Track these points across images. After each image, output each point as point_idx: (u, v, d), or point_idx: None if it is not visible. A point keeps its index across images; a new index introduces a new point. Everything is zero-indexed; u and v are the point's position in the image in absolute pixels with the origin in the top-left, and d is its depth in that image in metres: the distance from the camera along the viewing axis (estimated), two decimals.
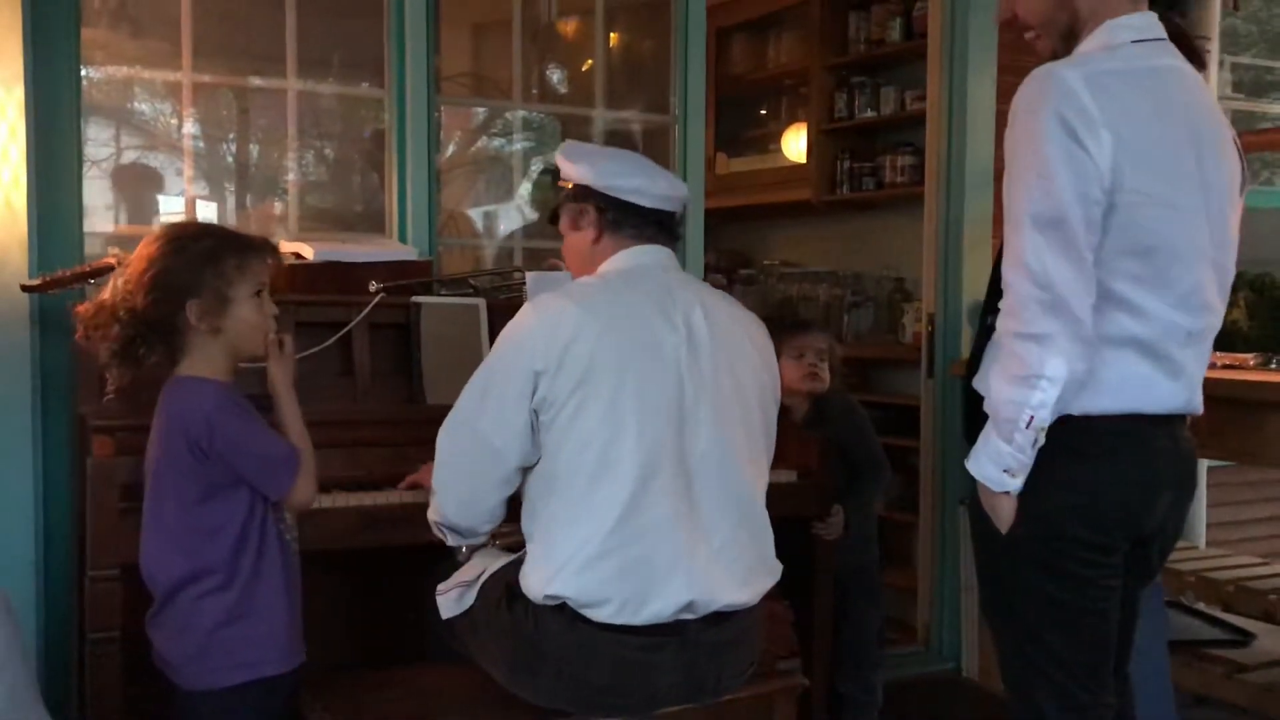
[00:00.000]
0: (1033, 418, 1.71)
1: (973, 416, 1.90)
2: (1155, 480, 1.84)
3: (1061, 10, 1.86)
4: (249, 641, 1.90)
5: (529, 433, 1.91)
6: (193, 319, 1.89)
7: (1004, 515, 1.80)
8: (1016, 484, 1.77)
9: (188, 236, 1.94)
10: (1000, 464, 1.76)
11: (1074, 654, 1.84)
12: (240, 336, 1.95)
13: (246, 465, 1.90)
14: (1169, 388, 1.82)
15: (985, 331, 1.89)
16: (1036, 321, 1.70)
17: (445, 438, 2.00)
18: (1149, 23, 1.85)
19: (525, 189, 3.50)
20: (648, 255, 2.05)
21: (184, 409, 1.88)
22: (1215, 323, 1.88)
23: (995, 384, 1.75)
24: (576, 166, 2.06)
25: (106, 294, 1.93)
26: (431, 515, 2.07)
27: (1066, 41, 1.87)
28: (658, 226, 2.05)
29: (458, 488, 2.01)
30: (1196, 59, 1.92)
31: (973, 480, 1.83)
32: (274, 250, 2.02)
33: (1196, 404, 1.87)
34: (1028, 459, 1.75)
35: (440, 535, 2.07)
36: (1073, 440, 1.74)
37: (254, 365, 2.03)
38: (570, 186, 2.08)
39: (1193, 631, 3.17)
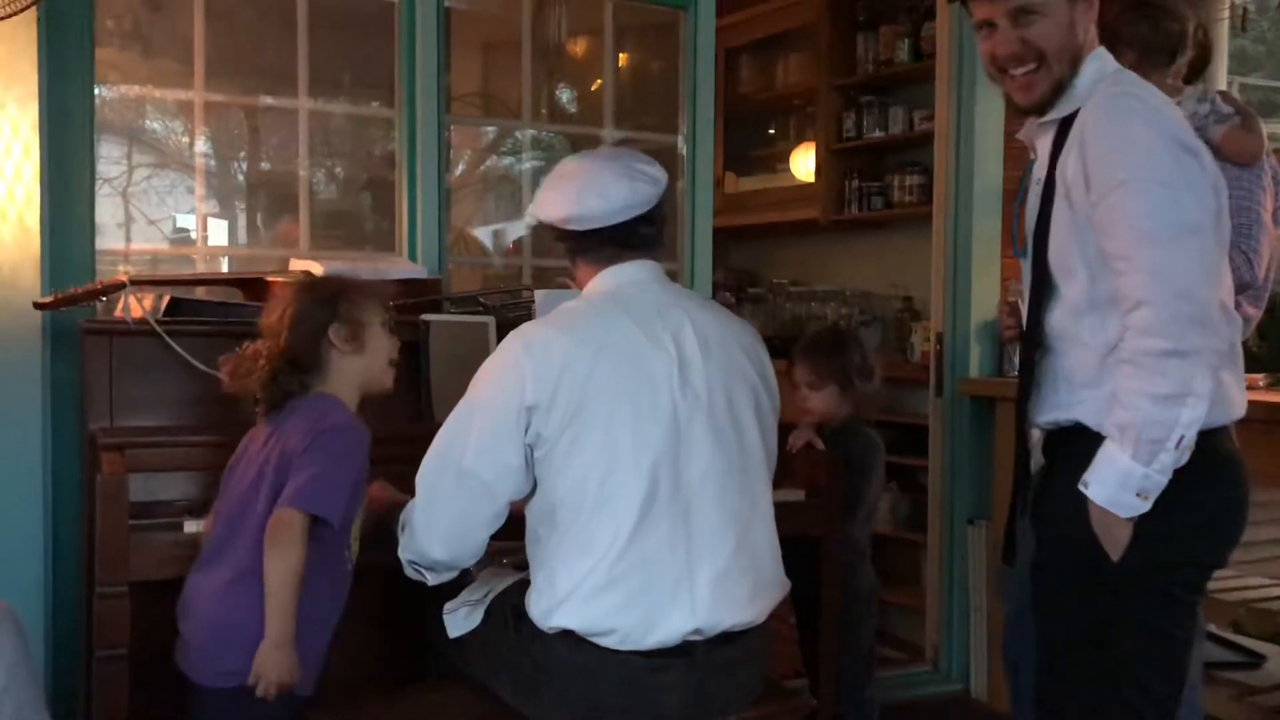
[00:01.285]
0: (1183, 437, 1.66)
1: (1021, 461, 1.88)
2: (1248, 492, 1.82)
3: (1073, 36, 1.85)
4: (242, 629, 1.90)
5: (523, 467, 1.90)
6: (336, 341, 2.05)
7: (1120, 542, 1.72)
8: (1146, 507, 1.70)
9: (313, 283, 2.17)
10: (1133, 487, 1.68)
11: (1169, 688, 1.79)
12: (375, 362, 2.10)
13: (298, 472, 1.92)
14: (1241, 393, 1.82)
15: (1030, 368, 1.88)
16: (1186, 336, 1.64)
17: (430, 480, 1.94)
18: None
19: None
20: (631, 272, 2.02)
21: (324, 412, 2.00)
22: None
23: (1137, 403, 1.66)
24: (533, 203, 2.08)
25: (249, 348, 2.07)
26: (405, 555, 1.99)
27: (1074, 71, 1.86)
28: (614, 244, 2.01)
29: (445, 526, 1.94)
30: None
31: (1066, 506, 1.76)
32: (384, 291, 2.21)
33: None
34: (1165, 480, 1.68)
35: (417, 575, 2.00)
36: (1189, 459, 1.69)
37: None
38: None
39: (1203, 653, 3.14)
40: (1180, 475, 1.69)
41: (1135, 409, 1.67)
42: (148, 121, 3.04)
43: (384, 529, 2.06)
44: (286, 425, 2.00)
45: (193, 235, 3.08)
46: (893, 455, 3.17)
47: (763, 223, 5.24)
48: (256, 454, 2.01)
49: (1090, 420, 1.79)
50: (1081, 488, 1.73)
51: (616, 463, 1.87)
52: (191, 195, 2.98)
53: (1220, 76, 4.41)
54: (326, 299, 2.09)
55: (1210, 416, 1.70)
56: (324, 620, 2.00)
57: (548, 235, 2.11)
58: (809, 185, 5.04)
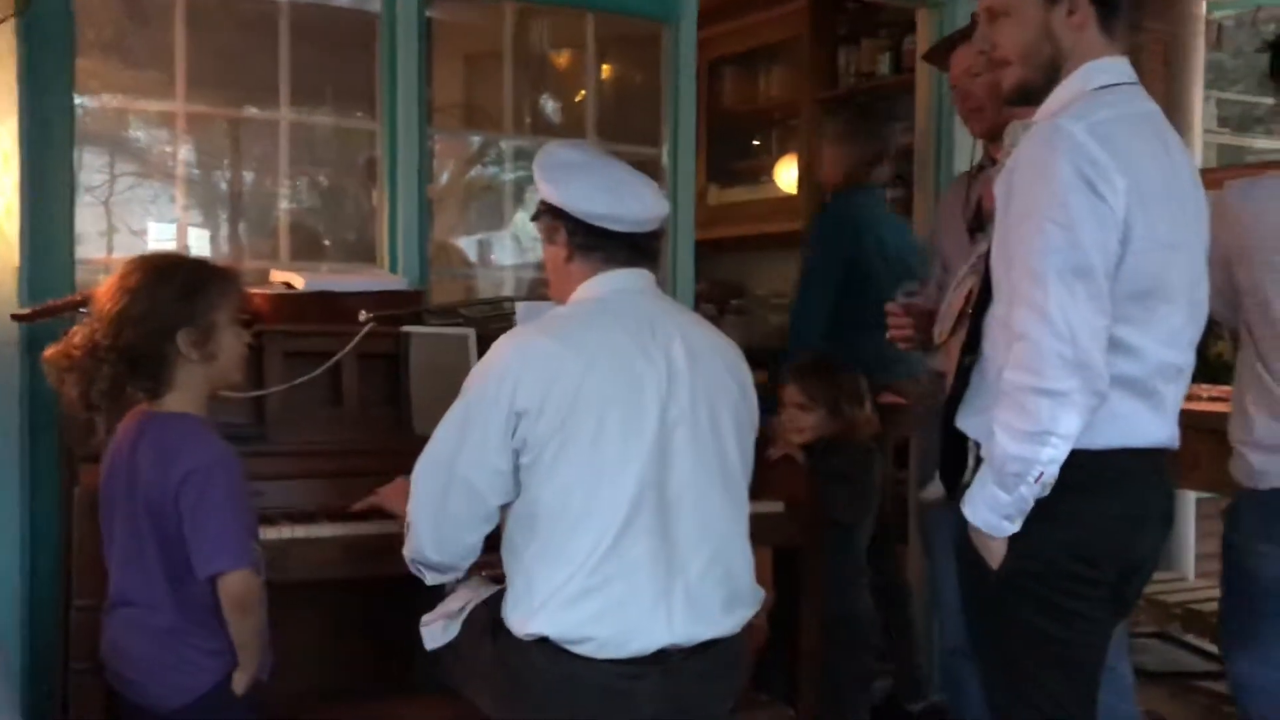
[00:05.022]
0: (1043, 473, 1.71)
1: (952, 456, 1.91)
2: (1144, 514, 1.86)
3: (1045, 42, 1.86)
4: (187, 660, 1.89)
5: (511, 472, 1.90)
6: (184, 349, 1.88)
7: (997, 555, 1.80)
8: (1015, 528, 1.76)
9: (167, 267, 1.94)
10: (1000, 512, 1.75)
11: (1068, 688, 1.84)
12: (227, 364, 1.95)
13: (203, 531, 1.84)
14: (1155, 423, 1.84)
15: (964, 371, 1.90)
16: (1057, 378, 1.68)
17: (422, 477, 1.96)
18: (1124, 67, 1.88)
19: (518, 219, 3.51)
20: (624, 281, 2.00)
21: (184, 443, 1.87)
22: (1194, 358, 1.91)
23: (1001, 437, 1.72)
24: (546, 183, 1.99)
25: (78, 337, 1.89)
26: (407, 553, 2.01)
27: (1048, 75, 1.87)
28: (631, 250, 2.00)
29: (436, 527, 1.96)
30: None
31: (961, 519, 1.83)
32: (242, 280, 2.03)
33: (1177, 439, 1.89)
34: (1029, 506, 1.74)
35: (418, 573, 2.03)
36: (1065, 475, 1.74)
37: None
38: (540, 200, 2.03)
39: (1179, 663, 3.17)
40: (1064, 489, 1.73)
41: (1001, 443, 1.72)
42: (130, 132, 3.03)
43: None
44: (142, 454, 1.87)
45: (173, 245, 3.07)
46: None
47: (746, 235, 5.25)
48: (121, 485, 1.90)
49: (974, 436, 1.85)
50: (961, 506, 1.80)
51: (602, 474, 1.87)
52: (174, 205, 2.98)
53: (1197, 91, 4.45)
54: (182, 293, 1.89)
55: (1107, 437, 1.77)
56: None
57: (546, 224, 2.02)
58: (791, 198, 5.06)
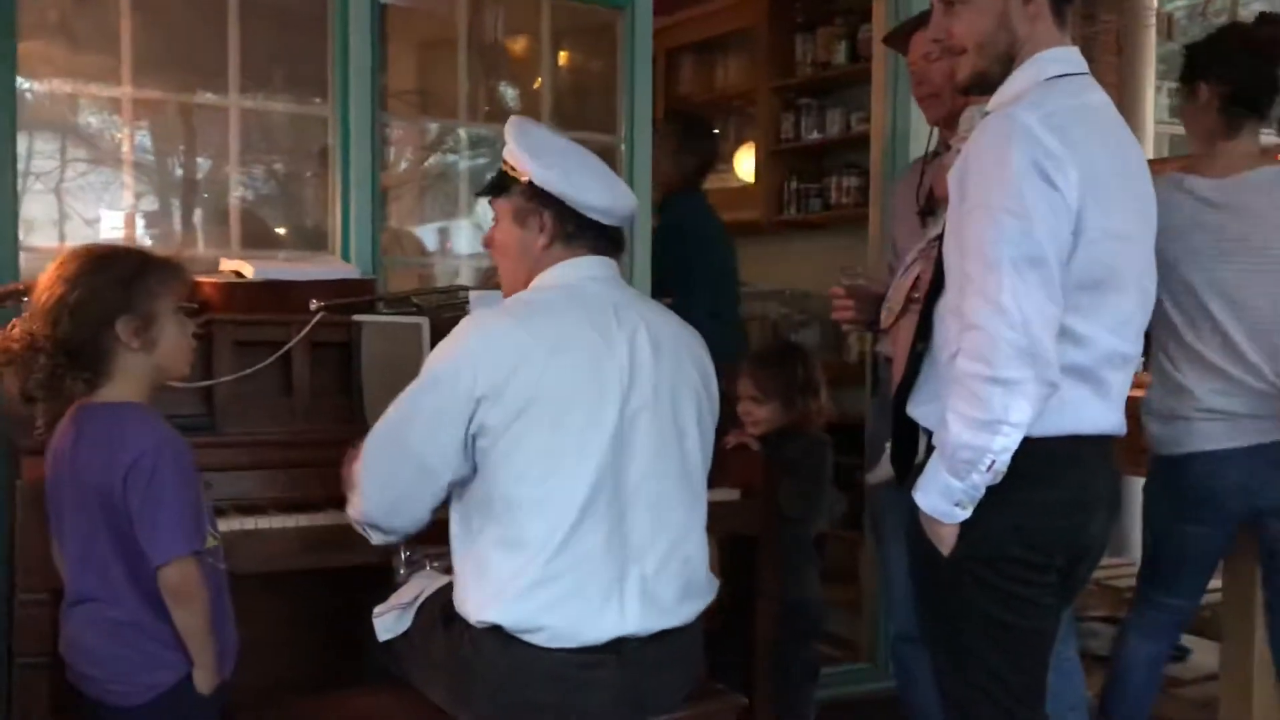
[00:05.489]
0: (994, 462, 1.72)
1: (904, 442, 1.92)
2: (1092, 500, 1.87)
3: (1002, 31, 1.87)
4: (150, 655, 1.86)
5: (464, 452, 1.89)
6: (124, 337, 1.85)
7: (948, 541, 1.81)
8: (966, 515, 1.78)
9: (107, 256, 1.90)
10: (951, 499, 1.76)
11: (1014, 673, 1.86)
12: (169, 355, 1.91)
13: (146, 519, 1.80)
14: (1103, 410, 1.86)
15: (915, 358, 1.91)
16: (1009, 367, 1.69)
17: (374, 452, 1.94)
18: (1076, 57, 1.89)
19: (481, 206, 3.49)
20: (589, 268, 1.99)
21: (126, 431, 1.83)
22: (1142, 346, 1.93)
23: (954, 426, 1.73)
24: (538, 167, 1.93)
25: (17, 329, 1.85)
26: (352, 514, 1.99)
27: (1003, 65, 1.89)
28: (608, 240, 2.01)
29: (386, 498, 1.95)
30: None
31: (911, 504, 1.84)
32: (186, 269, 1.98)
33: (1124, 426, 1.91)
34: (980, 494, 1.76)
35: (364, 532, 2.01)
36: (1014, 463, 1.75)
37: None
38: (525, 181, 1.96)
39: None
40: (1014, 475, 1.75)
41: (953, 431, 1.73)
42: (80, 117, 2.98)
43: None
44: (84, 447, 1.83)
45: (121, 233, 3.02)
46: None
47: None
48: (66, 481, 1.85)
49: (926, 424, 1.87)
50: (912, 493, 1.81)
51: (560, 462, 1.86)
52: (125, 192, 2.93)
53: (1148, 82, 4.49)
54: (120, 281, 1.85)
55: (1055, 424, 1.78)
56: (221, 612, 1.93)
57: (519, 205, 1.97)
58: (749, 187, 5.07)
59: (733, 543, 2.68)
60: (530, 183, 1.95)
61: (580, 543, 1.87)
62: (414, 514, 1.96)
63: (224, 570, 1.96)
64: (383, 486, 1.95)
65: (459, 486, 1.93)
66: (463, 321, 1.95)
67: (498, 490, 1.87)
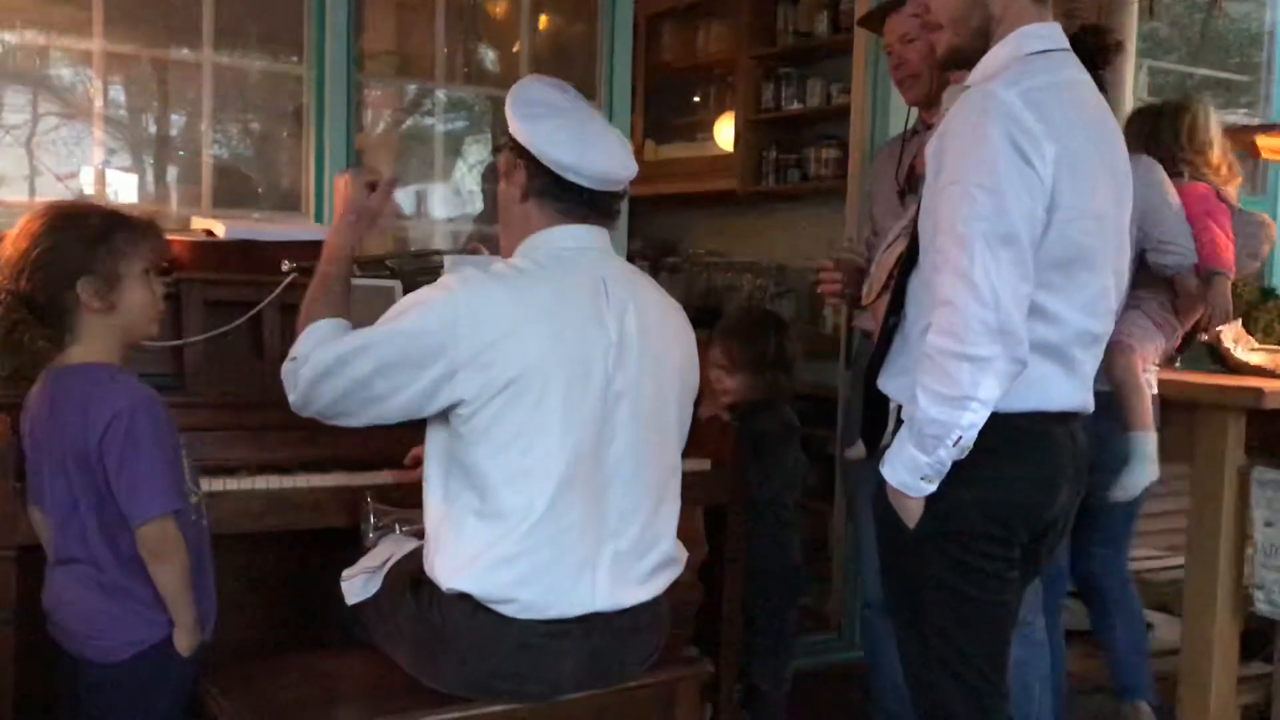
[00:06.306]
0: (961, 437, 1.73)
1: (873, 416, 1.92)
2: (1056, 476, 1.88)
3: (975, 8, 1.87)
4: (133, 613, 1.86)
5: (418, 406, 1.85)
6: (84, 298, 1.82)
7: (913, 514, 1.82)
8: (931, 489, 1.79)
9: (74, 214, 1.87)
10: (918, 473, 1.77)
11: (976, 646, 1.88)
12: (133, 316, 1.88)
13: (121, 478, 1.79)
14: (1069, 387, 1.87)
15: (887, 333, 1.91)
16: (979, 343, 1.69)
17: (327, 362, 1.87)
18: (1055, 33, 1.88)
19: (458, 169, 3.46)
20: (579, 237, 1.94)
21: (96, 389, 1.81)
22: (1113, 325, 1.94)
23: (923, 400, 1.73)
24: (516, 118, 1.90)
25: None
26: (285, 373, 1.93)
27: (979, 40, 1.88)
28: (589, 207, 1.93)
29: (324, 406, 1.90)
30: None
31: (879, 477, 1.85)
32: (159, 230, 1.95)
33: (1091, 403, 1.92)
34: (946, 468, 1.77)
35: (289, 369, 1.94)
36: (981, 438, 1.76)
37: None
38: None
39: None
40: (980, 451, 1.76)
41: (922, 405, 1.74)
42: (51, 70, 2.93)
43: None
44: (59, 410, 1.81)
45: (92, 190, 2.98)
46: (802, 425, 3.19)
47: (682, 192, 5.24)
48: (43, 445, 1.84)
49: (897, 398, 1.87)
50: (880, 466, 1.82)
51: (542, 437, 1.84)
52: (96, 148, 2.89)
53: (1130, 60, 4.49)
54: (84, 240, 1.82)
55: (1023, 401, 1.79)
56: (202, 571, 1.93)
57: (506, 159, 1.94)
58: (727, 156, 5.06)
59: (716, 512, 2.68)
60: (508, 134, 1.94)
61: (557, 518, 1.86)
62: (350, 424, 1.91)
63: (207, 527, 1.96)
64: (326, 398, 1.89)
65: (436, 447, 1.91)
66: (450, 277, 1.90)
67: (475, 459, 1.85)
